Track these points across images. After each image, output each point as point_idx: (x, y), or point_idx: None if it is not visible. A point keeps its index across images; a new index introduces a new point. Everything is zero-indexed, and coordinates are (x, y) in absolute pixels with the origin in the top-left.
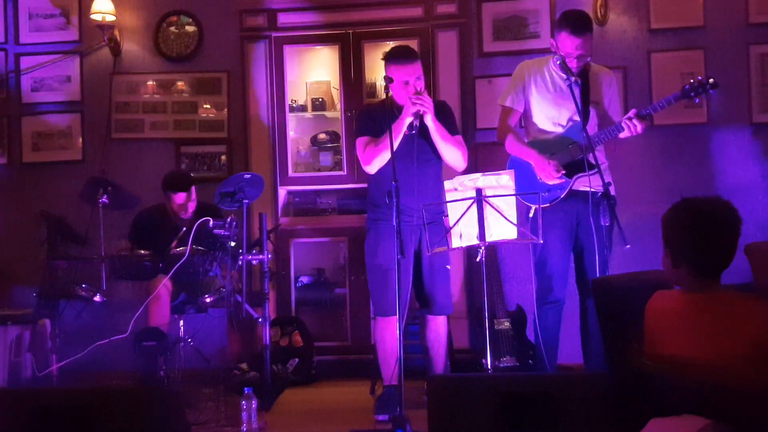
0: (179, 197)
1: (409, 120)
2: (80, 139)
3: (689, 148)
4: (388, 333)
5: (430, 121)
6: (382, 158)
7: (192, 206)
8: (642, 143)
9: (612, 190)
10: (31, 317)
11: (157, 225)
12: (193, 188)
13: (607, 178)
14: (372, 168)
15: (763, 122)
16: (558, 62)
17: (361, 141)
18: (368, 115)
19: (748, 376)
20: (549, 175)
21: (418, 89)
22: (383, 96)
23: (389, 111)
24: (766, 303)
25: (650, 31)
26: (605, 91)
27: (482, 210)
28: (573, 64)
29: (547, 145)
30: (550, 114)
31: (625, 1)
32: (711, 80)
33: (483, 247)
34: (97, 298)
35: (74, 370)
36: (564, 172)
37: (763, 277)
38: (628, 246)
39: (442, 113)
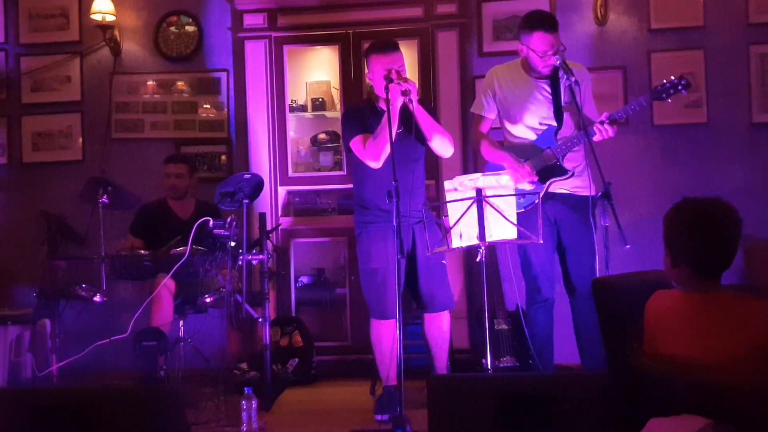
0: (172, 167)
1: (400, 102)
2: (80, 139)
3: (689, 148)
4: (385, 335)
5: (415, 104)
6: (387, 149)
7: (183, 184)
8: (642, 143)
9: (593, 190)
10: (31, 317)
11: (158, 218)
12: (187, 166)
13: (586, 179)
14: (380, 162)
15: (763, 122)
16: (558, 63)
17: (357, 140)
18: (355, 114)
19: (748, 376)
20: (522, 177)
21: (402, 75)
22: (384, 96)
23: (388, 110)
24: (766, 304)
25: (650, 31)
26: (577, 90)
27: (482, 210)
28: (551, 62)
29: (521, 150)
30: (523, 119)
31: (625, 1)
32: (684, 81)
33: (483, 247)
34: (97, 298)
35: (74, 370)
36: (536, 179)
37: (762, 277)
38: (628, 246)
39: (425, 103)
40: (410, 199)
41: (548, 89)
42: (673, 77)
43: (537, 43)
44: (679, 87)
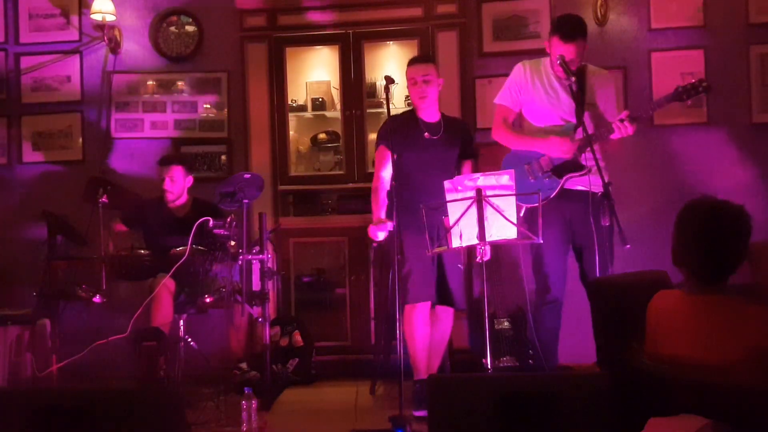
0: (164, 170)
1: None
2: (80, 139)
3: (689, 148)
4: (419, 322)
5: None
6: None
7: (177, 189)
8: (642, 143)
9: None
10: (31, 317)
11: (154, 213)
12: (175, 168)
13: (606, 178)
14: None
15: (763, 122)
16: (558, 62)
17: (379, 153)
18: (391, 126)
19: (748, 377)
20: (570, 150)
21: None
22: (383, 95)
23: (388, 111)
24: (766, 308)
25: (650, 31)
26: (600, 93)
27: (482, 210)
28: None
29: None
30: (545, 115)
31: (625, 1)
32: (704, 84)
33: (483, 247)
34: (96, 299)
35: (74, 370)
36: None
37: (763, 277)
38: (627, 246)
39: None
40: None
41: (573, 88)
42: (693, 80)
43: (554, 47)
44: (699, 89)
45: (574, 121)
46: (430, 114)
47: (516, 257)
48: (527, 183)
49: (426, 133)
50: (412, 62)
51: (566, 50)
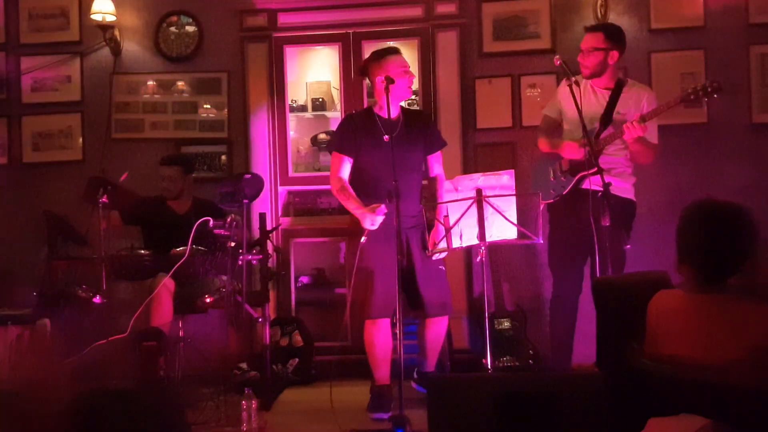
0: (164, 170)
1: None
2: (80, 139)
3: (689, 148)
4: (377, 335)
5: None
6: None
7: (176, 187)
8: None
9: (632, 194)
10: (31, 317)
11: (154, 211)
12: (174, 168)
13: (625, 182)
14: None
15: (763, 122)
16: (559, 62)
17: (334, 156)
18: (346, 127)
19: (748, 377)
20: (573, 152)
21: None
22: (383, 95)
23: (388, 115)
24: (766, 308)
25: (650, 31)
26: (633, 105)
27: (482, 210)
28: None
29: None
30: (574, 119)
31: (625, 1)
32: (715, 84)
33: (483, 247)
34: (96, 299)
35: (74, 370)
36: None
37: (763, 277)
38: (628, 246)
39: (425, 127)
40: (408, 204)
41: (605, 95)
42: (705, 82)
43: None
44: (709, 89)
45: (581, 121)
46: (394, 108)
47: (539, 256)
48: (548, 181)
49: (385, 136)
50: (394, 52)
51: (584, 39)
